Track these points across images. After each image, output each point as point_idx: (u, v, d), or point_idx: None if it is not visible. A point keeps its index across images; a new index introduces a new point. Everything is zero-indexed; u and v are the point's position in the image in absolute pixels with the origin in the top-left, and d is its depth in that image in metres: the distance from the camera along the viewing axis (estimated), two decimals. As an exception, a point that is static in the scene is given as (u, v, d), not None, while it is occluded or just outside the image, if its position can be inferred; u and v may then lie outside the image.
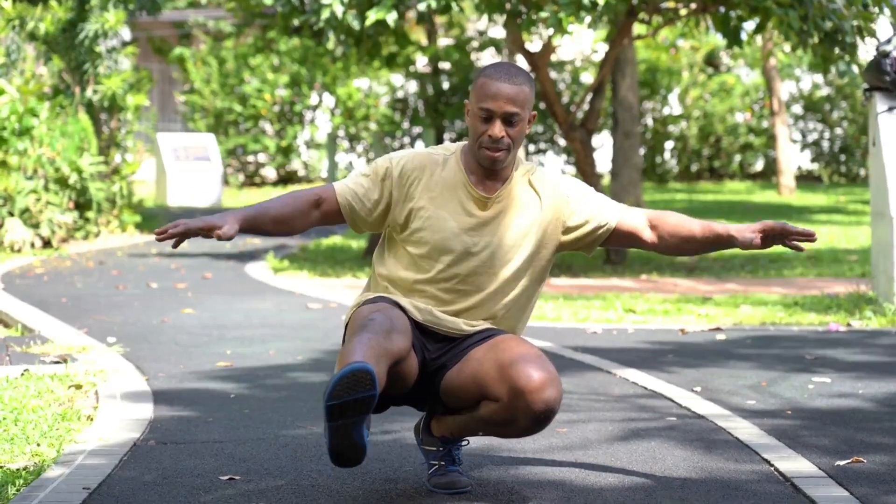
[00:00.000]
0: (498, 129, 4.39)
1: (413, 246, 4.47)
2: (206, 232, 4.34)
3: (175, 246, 4.38)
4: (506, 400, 4.29)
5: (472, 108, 4.44)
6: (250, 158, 28.33)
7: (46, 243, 15.12)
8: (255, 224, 4.41)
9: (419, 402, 4.59)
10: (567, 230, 4.54)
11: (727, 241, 4.45)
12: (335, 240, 16.82)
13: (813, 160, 29.07)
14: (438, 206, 4.46)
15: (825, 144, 28.82)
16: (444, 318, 4.46)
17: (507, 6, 12.17)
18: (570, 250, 4.62)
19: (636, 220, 4.56)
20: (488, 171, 4.48)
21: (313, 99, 28.19)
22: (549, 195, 4.53)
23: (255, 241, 16.47)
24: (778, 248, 15.24)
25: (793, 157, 26.75)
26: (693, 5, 12.61)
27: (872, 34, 11.70)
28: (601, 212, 4.55)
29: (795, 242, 4.39)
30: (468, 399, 4.41)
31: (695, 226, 4.51)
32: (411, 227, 4.46)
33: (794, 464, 4.96)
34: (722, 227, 4.48)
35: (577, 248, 4.58)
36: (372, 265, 4.62)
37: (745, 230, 4.41)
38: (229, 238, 4.34)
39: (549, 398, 4.24)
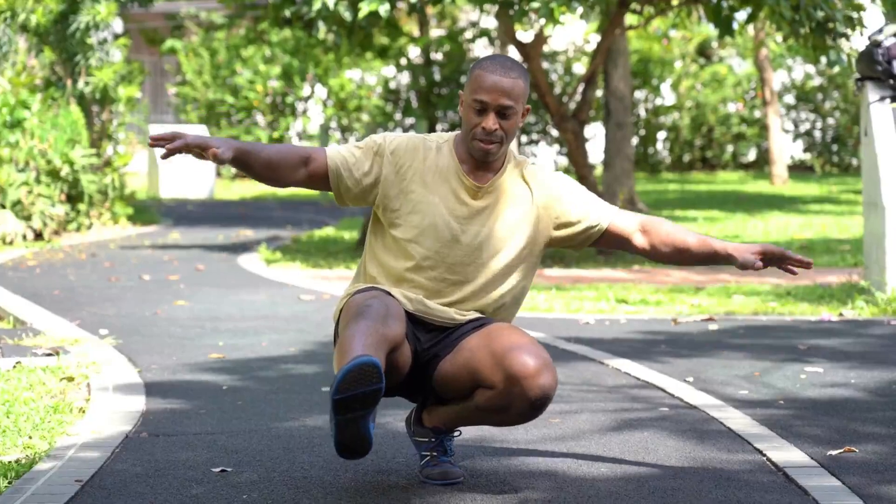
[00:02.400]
0: (492, 121, 4.39)
1: (400, 230, 4.45)
2: (202, 150, 4.26)
3: (165, 157, 4.26)
4: (501, 387, 4.29)
5: (467, 100, 4.44)
6: (243, 150, 28.27)
7: (38, 236, 15.10)
8: (246, 159, 4.35)
9: (412, 394, 4.59)
10: (558, 227, 4.54)
11: (724, 259, 4.47)
12: (328, 231, 16.81)
13: (805, 150, 29.08)
14: (429, 191, 4.46)
15: (817, 134, 28.83)
16: (435, 308, 4.46)
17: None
18: (559, 247, 4.63)
19: (628, 223, 4.55)
20: (480, 161, 4.48)
21: (305, 90, 28.17)
22: (540, 190, 4.53)
23: (247, 233, 16.46)
24: (771, 237, 15.26)
25: (785, 147, 26.75)
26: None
27: (863, 24, 11.70)
28: (593, 212, 4.54)
29: (791, 267, 4.42)
30: (462, 388, 4.42)
31: (690, 238, 4.52)
32: (400, 209, 4.45)
33: (786, 453, 4.97)
34: (720, 244, 4.48)
35: (568, 245, 4.58)
36: (359, 266, 4.61)
37: (746, 251, 4.43)
38: (223, 161, 4.26)
39: (544, 384, 4.26)
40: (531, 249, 4.53)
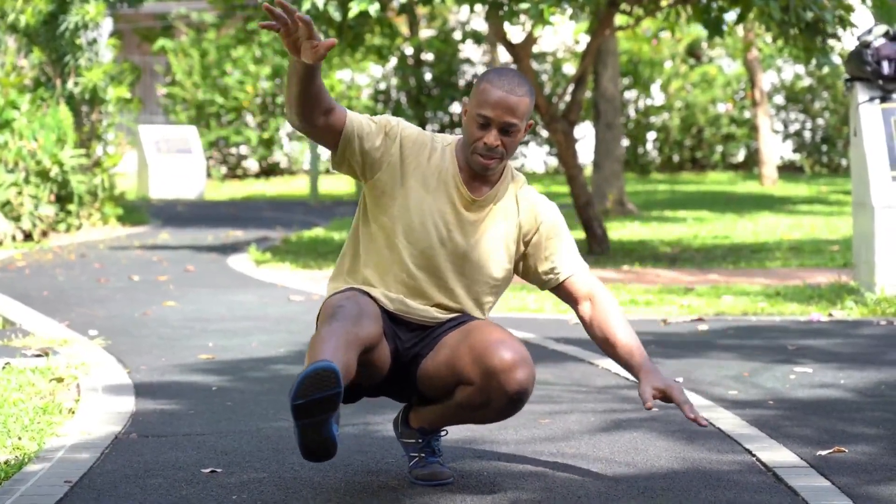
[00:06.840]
0: (493, 137, 4.39)
1: (388, 222, 4.42)
2: (307, 36, 4.08)
3: (270, 27, 4.05)
4: (479, 382, 4.31)
5: (471, 112, 4.42)
6: (232, 150, 28.29)
7: (27, 236, 15.08)
8: (315, 75, 4.19)
9: (398, 394, 4.59)
10: (525, 255, 4.55)
11: (634, 375, 4.50)
12: (318, 232, 16.80)
13: (795, 150, 29.12)
14: (426, 191, 4.45)
15: (807, 135, 28.87)
16: (416, 307, 4.46)
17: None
18: (520, 276, 4.63)
19: (581, 288, 4.57)
20: (478, 173, 4.49)
21: (295, 91, 28.12)
22: (526, 213, 4.53)
23: (237, 234, 16.45)
24: (761, 238, 15.27)
25: (775, 148, 26.79)
26: (674, -4, 12.61)
27: (852, 24, 11.71)
28: (561, 259, 4.56)
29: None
30: (444, 386, 4.42)
31: (621, 337, 4.52)
32: (394, 199, 4.44)
33: (775, 454, 4.97)
34: (638, 361, 4.47)
35: (526, 278, 4.60)
36: (342, 254, 4.57)
37: (650, 385, 4.40)
38: (318, 58, 4.10)
39: (521, 378, 4.28)
40: (510, 269, 4.55)
